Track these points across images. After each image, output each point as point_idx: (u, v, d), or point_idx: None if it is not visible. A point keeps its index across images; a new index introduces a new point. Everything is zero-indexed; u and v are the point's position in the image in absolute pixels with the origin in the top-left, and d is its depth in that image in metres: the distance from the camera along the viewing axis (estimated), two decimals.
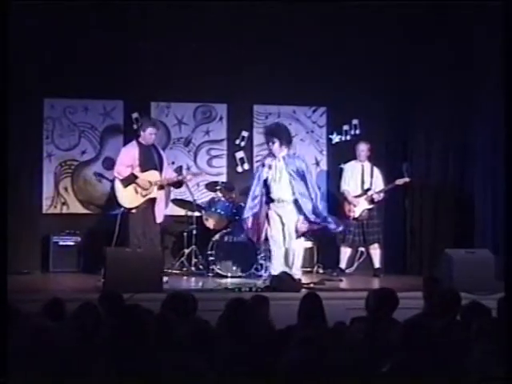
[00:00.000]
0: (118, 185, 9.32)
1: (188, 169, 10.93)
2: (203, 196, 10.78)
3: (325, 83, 10.97)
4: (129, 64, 10.57)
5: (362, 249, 10.65)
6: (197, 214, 10.32)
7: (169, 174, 9.51)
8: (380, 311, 5.26)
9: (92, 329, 4.71)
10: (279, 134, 9.04)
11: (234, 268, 9.72)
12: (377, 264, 10.38)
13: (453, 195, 10.89)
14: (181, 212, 10.57)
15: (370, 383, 3.82)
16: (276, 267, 8.86)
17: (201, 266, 10.15)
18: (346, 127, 11.36)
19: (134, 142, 9.49)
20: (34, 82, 10.26)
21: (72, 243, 10.47)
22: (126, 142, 10.74)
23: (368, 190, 10.34)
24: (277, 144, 8.94)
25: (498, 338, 4.02)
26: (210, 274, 9.82)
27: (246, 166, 11.15)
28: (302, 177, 8.95)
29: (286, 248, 8.92)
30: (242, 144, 11.19)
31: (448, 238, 10.54)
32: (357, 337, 4.95)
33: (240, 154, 11.18)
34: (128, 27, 10.54)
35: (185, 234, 10.28)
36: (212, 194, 10.52)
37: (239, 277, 9.47)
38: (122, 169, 9.22)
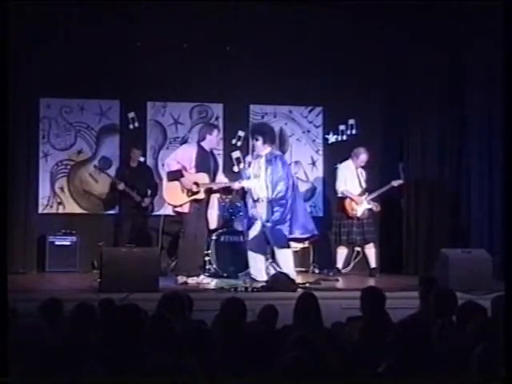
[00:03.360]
0: (164, 178, 9.28)
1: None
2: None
3: (321, 83, 10.98)
4: (125, 64, 10.58)
5: (358, 248, 10.65)
6: None
7: (220, 179, 9.32)
8: (371, 310, 5.27)
9: (88, 328, 4.71)
10: (263, 132, 9.03)
11: (230, 268, 9.70)
12: (373, 264, 10.38)
13: (449, 195, 10.91)
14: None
15: (366, 383, 3.82)
16: (257, 273, 8.91)
17: None
18: (342, 127, 11.38)
19: (194, 144, 9.30)
20: (30, 81, 10.25)
21: (68, 243, 10.46)
22: (122, 142, 10.75)
23: (367, 189, 10.34)
24: (260, 141, 8.95)
25: (494, 338, 4.02)
26: (206, 274, 9.80)
27: (242, 166, 11.14)
28: (280, 176, 8.89)
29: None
30: (239, 144, 11.19)
31: (444, 238, 10.55)
32: (352, 337, 4.96)
33: (236, 154, 11.18)
34: (125, 27, 10.55)
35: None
36: None
37: (235, 277, 9.46)
38: (172, 163, 9.04)
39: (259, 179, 8.89)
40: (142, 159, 10.82)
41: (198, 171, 8.95)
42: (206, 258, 9.83)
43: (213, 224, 9.20)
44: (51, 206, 10.78)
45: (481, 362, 3.67)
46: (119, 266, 7.94)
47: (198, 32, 10.65)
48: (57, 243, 10.43)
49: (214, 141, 9.17)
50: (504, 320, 4.32)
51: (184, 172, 8.90)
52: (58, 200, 10.81)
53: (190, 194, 8.89)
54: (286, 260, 8.90)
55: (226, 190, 9.44)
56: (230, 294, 7.51)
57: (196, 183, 8.88)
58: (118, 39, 10.56)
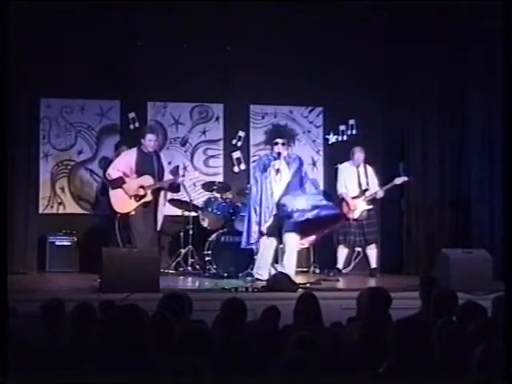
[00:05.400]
0: (109, 187, 9.37)
1: (184, 168, 10.93)
2: (200, 196, 10.78)
3: (321, 83, 10.97)
4: (125, 64, 10.58)
5: (359, 249, 10.64)
6: (193, 214, 10.33)
7: (165, 178, 9.49)
8: (373, 311, 5.26)
9: (88, 328, 4.71)
10: (284, 134, 9.16)
11: (231, 268, 9.70)
12: (373, 264, 10.37)
13: (449, 195, 10.91)
14: (177, 212, 10.56)
15: (366, 383, 3.82)
16: (263, 272, 9.00)
17: (197, 266, 10.16)
18: (342, 127, 11.37)
19: (134, 149, 9.48)
20: (31, 81, 10.25)
21: (68, 243, 10.46)
22: (122, 142, 10.74)
23: (366, 190, 10.33)
24: (283, 145, 9.04)
25: (494, 338, 4.02)
26: (206, 274, 9.81)
27: (243, 166, 11.16)
28: (300, 176, 9.03)
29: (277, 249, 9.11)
30: (239, 144, 11.19)
31: (445, 238, 10.55)
32: (353, 337, 4.95)
33: (237, 154, 11.18)
34: (125, 27, 10.55)
35: (181, 233, 10.28)
36: (208, 194, 10.52)
37: (236, 277, 9.45)
38: (113, 172, 9.26)
39: (281, 182, 8.97)
40: None
41: (140, 175, 9.07)
42: (206, 259, 9.84)
43: (159, 225, 9.27)
44: (52, 207, 10.78)
45: (481, 362, 3.66)
46: (119, 266, 7.94)
47: (198, 32, 10.65)
48: (57, 243, 10.43)
49: (151, 144, 9.31)
50: (504, 320, 4.31)
51: (126, 178, 9.04)
52: (59, 200, 10.81)
53: (137, 198, 9.05)
54: (291, 245, 8.99)
55: (173, 187, 9.61)
56: (230, 294, 7.51)
57: (142, 186, 9.02)
58: (118, 39, 10.55)
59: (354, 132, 11.34)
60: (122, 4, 10.33)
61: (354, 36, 10.96)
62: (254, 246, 9.12)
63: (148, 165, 9.25)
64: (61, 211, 10.83)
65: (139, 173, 9.19)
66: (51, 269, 10.29)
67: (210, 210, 10.24)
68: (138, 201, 9.11)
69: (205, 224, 10.23)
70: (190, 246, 10.19)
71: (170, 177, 9.49)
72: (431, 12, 10.41)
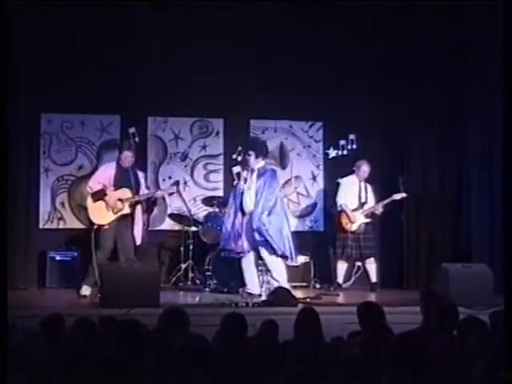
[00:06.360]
0: (89, 200, 9.41)
1: (185, 183, 10.95)
2: (200, 211, 10.78)
3: (321, 98, 10.99)
4: (126, 79, 10.59)
5: (359, 263, 10.63)
6: (193, 228, 10.33)
7: (143, 193, 9.54)
8: (368, 325, 5.26)
9: (88, 344, 4.70)
10: (254, 146, 9.24)
11: (231, 283, 9.68)
12: (373, 278, 10.36)
13: (449, 209, 10.91)
14: (177, 227, 10.57)
15: None
16: (252, 287, 9.00)
17: (197, 281, 10.15)
18: (342, 142, 11.38)
19: (113, 163, 9.56)
20: (31, 96, 10.27)
21: (69, 258, 10.44)
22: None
23: (364, 203, 10.33)
24: (252, 156, 9.10)
25: (493, 352, 4.01)
26: (206, 289, 9.80)
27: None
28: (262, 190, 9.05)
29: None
30: (239, 158, 11.19)
31: (445, 252, 10.55)
32: (353, 352, 4.94)
33: (237, 169, 11.17)
34: (125, 42, 10.57)
35: (181, 248, 10.27)
36: (209, 209, 10.53)
37: (236, 292, 9.44)
38: (94, 184, 9.33)
39: (250, 192, 8.99)
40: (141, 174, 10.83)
41: (118, 188, 9.14)
42: (207, 274, 9.83)
43: (138, 239, 9.28)
44: (52, 222, 10.78)
45: (481, 377, 3.66)
46: (119, 281, 7.92)
47: (198, 47, 10.67)
48: (57, 259, 10.41)
49: (127, 160, 9.43)
50: (503, 334, 4.31)
51: (106, 191, 9.12)
52: (59, 215, 10.80)
53: (115, 210, 9.11)
54: (268, 258, 8.96)
55: (150, 201, 9.73)
56: (230, 309, 7.49)
57: (120, 199, 9.09)
58: (118, 54, 10.57)
59: (354, 147, 11.34)
60: (123, 19, 10.37)
61: (354, 51, 10.98)
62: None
63: (125, 179, 9.36)
64: (61, 226, 10.83)
65: (117, 186, 9.29)
66: (51, 284, 10.27)
67: (210, 224, 10.25)
68: (115, 213, 9.20)
69: (205, 239, 10.23)
70: (191, 261, 10.18)
71: (146, 191, 9.53)
72: (433, 27, 10.46)
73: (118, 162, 9.47)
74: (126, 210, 9.25)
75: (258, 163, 9.11)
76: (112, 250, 9.27)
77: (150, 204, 9.83)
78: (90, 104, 10.63)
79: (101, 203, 9.22)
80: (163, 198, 10.39)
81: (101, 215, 9.24)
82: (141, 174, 9.69)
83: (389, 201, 10.38)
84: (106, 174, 9.42)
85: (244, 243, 9.00)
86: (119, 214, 9.22)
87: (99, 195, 9.24)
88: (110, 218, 9.21)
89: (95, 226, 9.28)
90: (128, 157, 9.45)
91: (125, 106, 10.79)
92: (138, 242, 9.32)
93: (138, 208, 9.41)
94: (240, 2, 10.38)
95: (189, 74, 10.71)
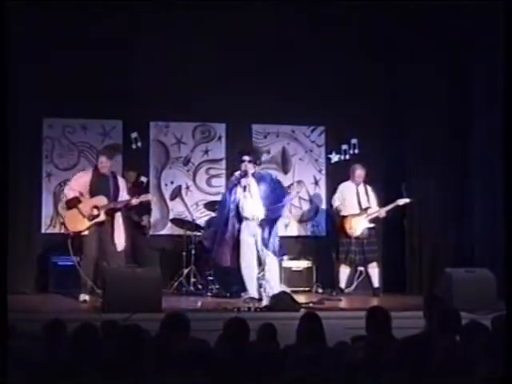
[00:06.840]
0: (64, 207, 9.41)
1: (187, 188, 10.94)
2: (202, 215, 10.77)
3: (324, 103, 11.00)
4: (128, 84, 10.59)
5: (361, 268, 10.61)
6: (196, 233, 10.31)
7: (123, 199, 9.44)
8: (374, 329, 5.24)
9: (90, 348, 4.68)
10: (248, 152, 9.39)
11: (233, 288, 9.67)
12: (376, 283, 10.35)
13: (452, 214, 10.89)
14: (180, 232, 10.56)
15: None
16: (252, 291, 9.07)
17: (200, 286, 10.14)
18: (344, 147, 11.38)
19: (90, 170, 9.55)
20: (33, 101, 10.27)
21: (71, 263, 10.41)
22: (124, 162, 10.74)
23: (367, 208, 10.32)
24: (249, 162, 9.22)
25: (495, 357, 4.00)
26: (208, 294, 9.79)
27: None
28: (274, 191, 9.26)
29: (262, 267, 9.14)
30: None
31: (448, 257, 10.53)
32: (356, 356, 4.92)
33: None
34: (127, 47, 10.58)
35: (184, 253, 10.26)
36: (211, 214, 10.52)
37: (238, 297, 9.43)
38: (69, 192, 9.30)
39: (251, 198, 9.06)
40: (143, 179, 10.82)
41: (94, 195, 9.11)
42: (209, 278, 9.82)
43: (120, 246, 9.26)
44: (54, 226, 10.77)
45: (484, 381, 3.65)
46: (122, 286, 7.92)
47: (200, 52, 10.68)
48: (60, 263, 10.39)
49: (102, 166, 9.34)
50: (505, 339, 4.29)
51: (81, 198, 9.09)
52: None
53: (91, 218, 9.09)
54: (270, 267, 9.06)
55: (128, 208, 9.64)
56: (232, 314, 7.48)
57: (96, 206, 9.06)
58: (120, 59, 10.58)
59: (356, 151, 11.35)
60: (124, 24, 10.37)
61: (356, 56, 10.98)
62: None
63: (103, 185, 9.28)
64: (63, 231, 10.81)
65: (93, 193, 9.23)
66: (53, 289, 10.24)
67: (212, 229, 10.23)
68: (91, 220, 9.16)
69: (207, 244, 10.21)
70: (193, 266, 10.17)
71: (126, 198, 9.44)
72: (435, 30, 10.47)
73: (95, 169, 9.40)
74: (102, 217, 9.19)
75: (252, 168, 9.20)
76: (96, 257, 9.24)
77: (127, 210, 9.75)
78: (92, 109, 10.64)
79: (75, 210, 9.19)
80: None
81: (76, 222, 9.20)
82: (121, 180, 9.61)
83: (392, 206, 10.36)
84: (81, 181, 9.35)
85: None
86: (94, 221, 9.17)
87: (73, 202, 9.22)
88: (85, 225, 9.17)
89: (71, 233, 9.24)
90: (103, 162, 9.35)
91: (127, 111, 10.79)
92: (120, 248, 9.27)
93: (118, 215, 9.35)
94: (240, 2, 10.37)
95: (191, 78, 10.70)
